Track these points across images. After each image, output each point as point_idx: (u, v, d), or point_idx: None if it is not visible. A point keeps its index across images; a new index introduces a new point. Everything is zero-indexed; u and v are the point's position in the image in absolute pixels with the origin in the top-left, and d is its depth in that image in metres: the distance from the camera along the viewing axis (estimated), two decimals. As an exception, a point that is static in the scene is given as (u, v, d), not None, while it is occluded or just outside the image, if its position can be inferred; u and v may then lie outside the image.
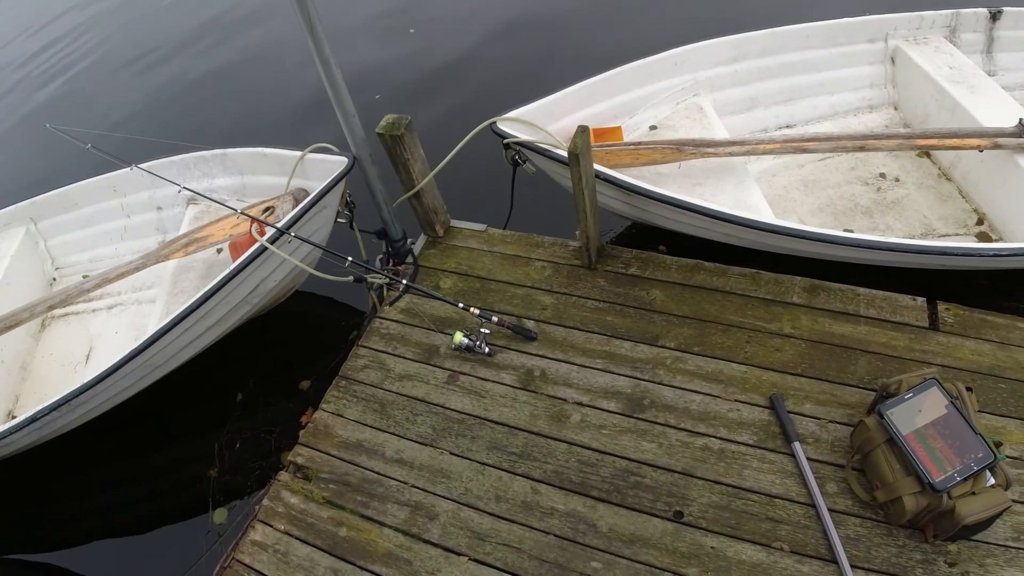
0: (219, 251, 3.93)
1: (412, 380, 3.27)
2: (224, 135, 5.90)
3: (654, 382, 3.08)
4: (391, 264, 3.85)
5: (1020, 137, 3.70)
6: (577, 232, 3.46)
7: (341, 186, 3.51)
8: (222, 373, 4.03)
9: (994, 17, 4.70)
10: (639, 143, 3.70)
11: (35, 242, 4.54)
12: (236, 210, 3.51)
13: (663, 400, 3.01)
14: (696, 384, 3.05)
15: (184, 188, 3.87)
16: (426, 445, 3.03)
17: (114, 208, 4.46)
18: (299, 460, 3.08)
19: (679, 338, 3.23)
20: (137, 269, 3.72)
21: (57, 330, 4.33)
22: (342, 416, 3.21)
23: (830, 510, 2.57)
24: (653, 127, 4.15)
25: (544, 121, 3.64)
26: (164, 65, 7.70)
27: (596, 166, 3.24)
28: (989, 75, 4.61)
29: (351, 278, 3.43)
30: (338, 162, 3.48)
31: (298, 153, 3.67)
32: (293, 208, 3.41)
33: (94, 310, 4.32)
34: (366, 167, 3.47)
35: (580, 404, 3.05)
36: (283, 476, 3.04)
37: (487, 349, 3.22)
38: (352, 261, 3.30)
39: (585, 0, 7.07)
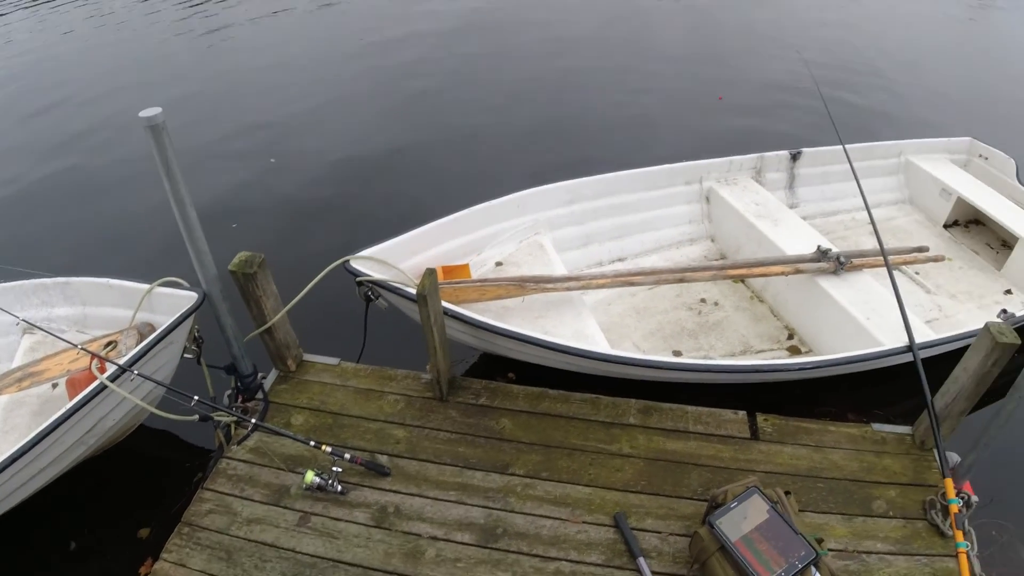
0: (54, 386, 3.69)
1: (261, 524, 3.16)
2: (68, 262, 5.61)
3: (506, 510, 3.17)
4: (240, 400, 3.76)
5: (819, 262, 4.32)
6: (428, 366, 3.58)
7: (189, 322, 3.45)
8: (54, 518, 3.67)
9: (794, 157, 5.54)
10: (485, 280, 3.94)
11: None
12: (76, 344, 3.36)
13: (515, 528, 3.10)
14: (545, 509, 3.17)
15: (22, 320, 3.65)
16: (276, 593, 2.91)
17: None
18: (135, 620, 2.86)
19: (528, 465, 3.37)
20: None
21: None
22: (185, 566, 3.02)
23: (676, 622, 2.71)
24: (499, 263, 4.43)
25: (396, 259, 3.81)
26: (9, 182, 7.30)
27: (444, 303, 3.41)
28: (791, 207, 5.38)
29: (196, 417, 3.33)
30: (187, 297, 3.43)
31: (146, 286, 3.56)
32: (137, 343, 3.30)
33: (-87, 448, 3.86)
34: (216, 303, 3.44)
35: (435, 538, 3.07)
36: (116, 641, 2.81)
37: (340, 487, 3.20)
38: (198, 400, 3.22)
39: (439, 140, 7.63)
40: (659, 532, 3.06)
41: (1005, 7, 14.05)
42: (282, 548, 3.06)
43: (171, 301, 3.50)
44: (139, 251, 5.88)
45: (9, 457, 2.94)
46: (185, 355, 3.64)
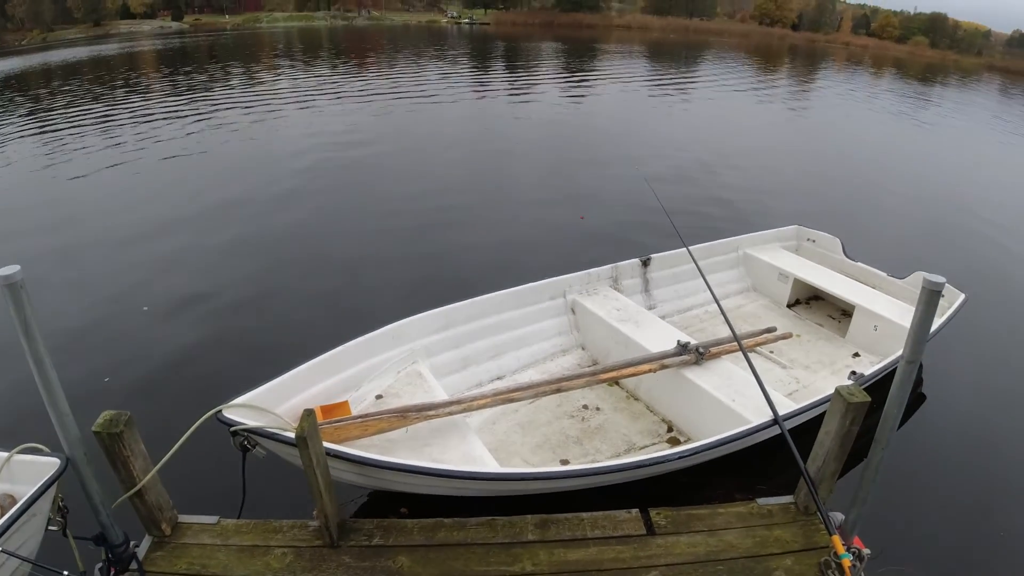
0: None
1: None
2: None
3: (411, 653, 3.05)
4: (112, 573, 3.46)
5: (681, 355, 4.65)
6: (315, 512, 3.46)
7: (52, 490, 3.19)
8: None
9: (645, 263, 6.08)
10: (367, 415, 3.91)
11: None
12: None
13: (422, 670, 2.98)
14: (455, 643, 3.07)
15: None
16: None
17: None
18: None
19: (429, 600, 3.26)
20: None
21: None
22: None
23: None
24: (379, 396, 4.41)
25: (272, 403, 3.73)
26: None
27: (326, 444, 3.34)
28: (650, 309, 5.83)
29: (66, 597, 3.03)
30: (49, 464, 3.19)
31: (3, 454, 3.28)
32: None
33: None
34: (81, 468, 3.22)
35: None
36: None
37: (232, 656, 2.97)
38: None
39: (312, 276, 7.74)
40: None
41: (813, 107, 16.30)
42: None
43: (32, 469, 3.23)
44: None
45: None
46: (50, 528, 3.33)
